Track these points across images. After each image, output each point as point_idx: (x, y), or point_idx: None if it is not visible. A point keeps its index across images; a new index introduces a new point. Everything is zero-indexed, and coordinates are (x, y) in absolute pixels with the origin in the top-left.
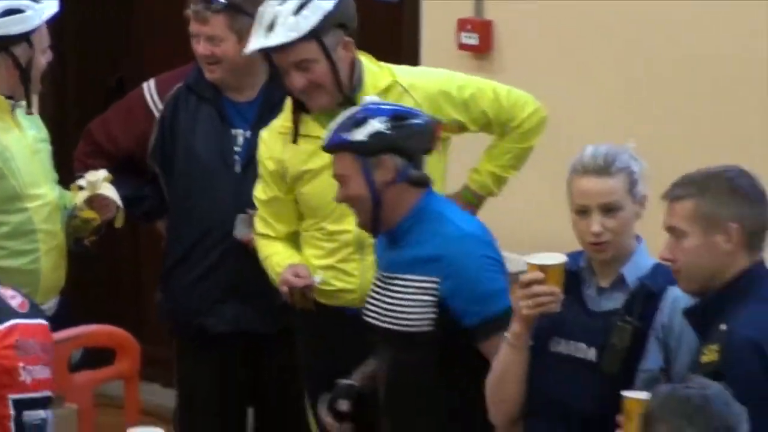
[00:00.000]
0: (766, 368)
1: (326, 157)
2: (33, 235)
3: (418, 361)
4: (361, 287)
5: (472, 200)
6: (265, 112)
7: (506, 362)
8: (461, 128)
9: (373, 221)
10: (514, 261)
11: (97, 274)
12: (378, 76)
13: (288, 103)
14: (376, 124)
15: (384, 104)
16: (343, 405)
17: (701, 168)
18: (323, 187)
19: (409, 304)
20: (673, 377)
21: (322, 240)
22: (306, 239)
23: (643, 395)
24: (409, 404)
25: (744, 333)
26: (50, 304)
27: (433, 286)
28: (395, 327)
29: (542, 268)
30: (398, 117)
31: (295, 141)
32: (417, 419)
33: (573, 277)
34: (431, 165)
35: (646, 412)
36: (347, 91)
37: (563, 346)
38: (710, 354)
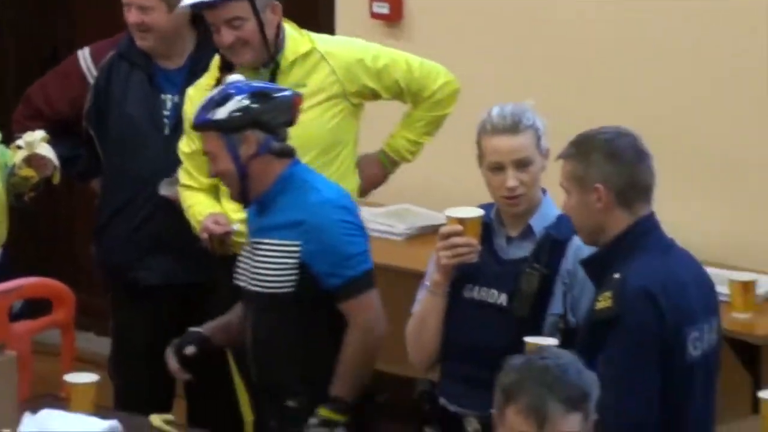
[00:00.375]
0: (658, 315)
1: None
2: None
3: (280, 319)
4: None
5: (386, 164)
6: (193, 78)
7: (426, 309)
8: (374, 96)
9: (242, 193)
10: (428, 216)
11: (36, 228)
12: (298, 42)
13: (215, 61)
14: (237, 102)
15: (245, 82)
16: (189, 349)
17: (594, 127)
18: None
19: (272, 267)
20: (573, 322)
21: None
22: (224, 192)
23: (544, 341)
24: (273, 358)
25: (635, 282)
26: None
27: (296, 249)
28: (260, 289)
29: (461, 221)
30: (258, 94)
31: None
32: (281, 372)
33: (484, 227)
34: (344, 130)
35: (503, 385)
36: (272, 50)
37: (476, 293)
38: (604, 301)
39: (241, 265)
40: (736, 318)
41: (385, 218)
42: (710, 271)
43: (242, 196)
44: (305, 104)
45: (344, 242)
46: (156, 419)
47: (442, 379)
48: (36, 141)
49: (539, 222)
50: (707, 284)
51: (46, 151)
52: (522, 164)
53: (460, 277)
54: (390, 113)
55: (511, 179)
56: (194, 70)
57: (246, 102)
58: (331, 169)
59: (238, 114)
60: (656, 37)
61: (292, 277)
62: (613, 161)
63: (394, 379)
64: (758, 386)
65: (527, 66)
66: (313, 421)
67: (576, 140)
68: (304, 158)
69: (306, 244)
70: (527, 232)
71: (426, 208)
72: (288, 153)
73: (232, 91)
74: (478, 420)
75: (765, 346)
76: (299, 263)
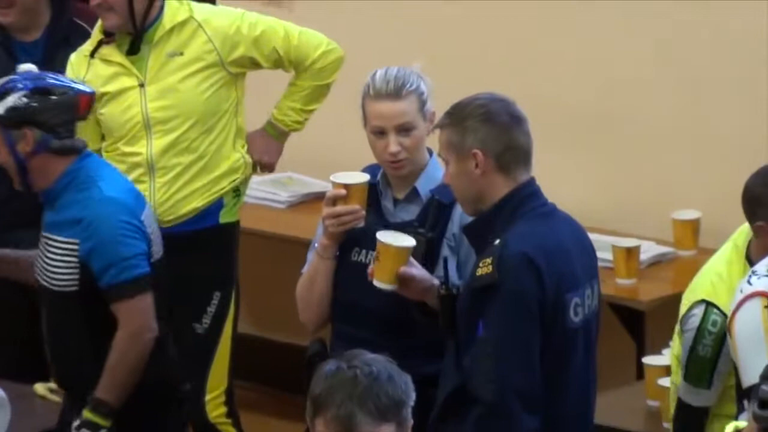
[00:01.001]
0: (538, 281)
1: (124, 81)
2: None
3: (69, 316)
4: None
5: (274, 134)
6: (50, 50)
7: (315, 270)
8: (254, 65)
9: (23, 185)
10: (312, 184)
11: None
12: (177, 11)
13: (97, 25)
14: (14, 99)
15: (30, 77)
16: None
17: (468, 95)
18: (119, 110)
19: (56, 265)
20: (456, 286)
21: (117, 161)
22: (105, 159)
23: (398, 237)
24: (67, 354)
25: (515, 247)
26: None
27: (74, 247)
28: (47, 285)
29: (345, 186)
30: (38, 91)
31: (92, 56)
32: (77, 368)
33: (371, 189)
34: (222, 99)
35: (312, 395)
36: (138, 19)
37: (363, 256)
38: (484, 267)
39: (37, 259)
40: (620, 284)
41: (268, 186)
42: (593, 237)
43: (25, 188)
44: (183, 73)
45: (120, 242)
46: (40, 388)
47: (332, 339)
48: None
49: (425, 185)
50: (589, 249)
51: None
52: (404, 129)
53: (349, 239)
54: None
55: (393, 144)
56: (51, 41)
57: (24, 100)
58: (209, 139)
59: (14, 111)
60: (540, 5)
61: (75, 276)
62: (489, 126)
63: (285, 347)
64: (642, 352)
65: (409, 30)
66: (76, 423)
67: (450, 109)
68: (181, 128)
69: (84, 243)
70: (413, 195)
71: (310, 176)
72: (70, 151)
73: (12, 85)
74: None
75: (649, 312)
76: (79, 262)
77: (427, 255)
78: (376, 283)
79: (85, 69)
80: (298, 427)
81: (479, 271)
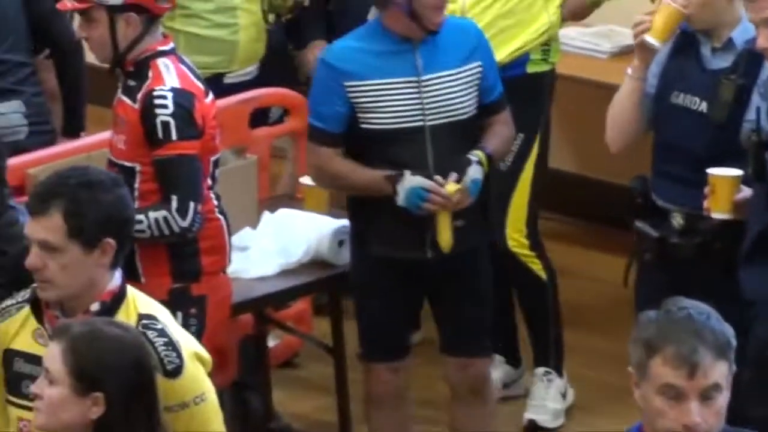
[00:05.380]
0: None
1: None
2: (234, 11)
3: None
4: None
5: None
6: None
7: (624, 91)
8: None
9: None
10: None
11: None
12: None
13: None
14: None
15: None
16: None
17: None
18: None
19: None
20: (766, 129)
21: None
22: None
23: (727, 172)
24: None
25: None
26: (250, 69)
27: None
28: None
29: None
30: None
31: None
32: None
33: (690, 38)
34: None
35: (644, 339)
36: None
37: (681, 99)
38: None
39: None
40: None
41: (592, 37)
42: None
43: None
44: None
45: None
46: None
47: (652, 177)
48: None
49: (741, 35)
50: None
51: None
52: None
53: (669, 83)
54: None
55: None
56: None
57: None
58: None
59: None
60: None
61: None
62: None
63: (602, 184)
64: None
65: None
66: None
67: None
68: None
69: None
70: (729, 44)
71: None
72: None
73: None
74: (682, 215)
75: None
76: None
77: (738, 100)
78: (714, 215)
79: None
80: (621, 260)
81: None
